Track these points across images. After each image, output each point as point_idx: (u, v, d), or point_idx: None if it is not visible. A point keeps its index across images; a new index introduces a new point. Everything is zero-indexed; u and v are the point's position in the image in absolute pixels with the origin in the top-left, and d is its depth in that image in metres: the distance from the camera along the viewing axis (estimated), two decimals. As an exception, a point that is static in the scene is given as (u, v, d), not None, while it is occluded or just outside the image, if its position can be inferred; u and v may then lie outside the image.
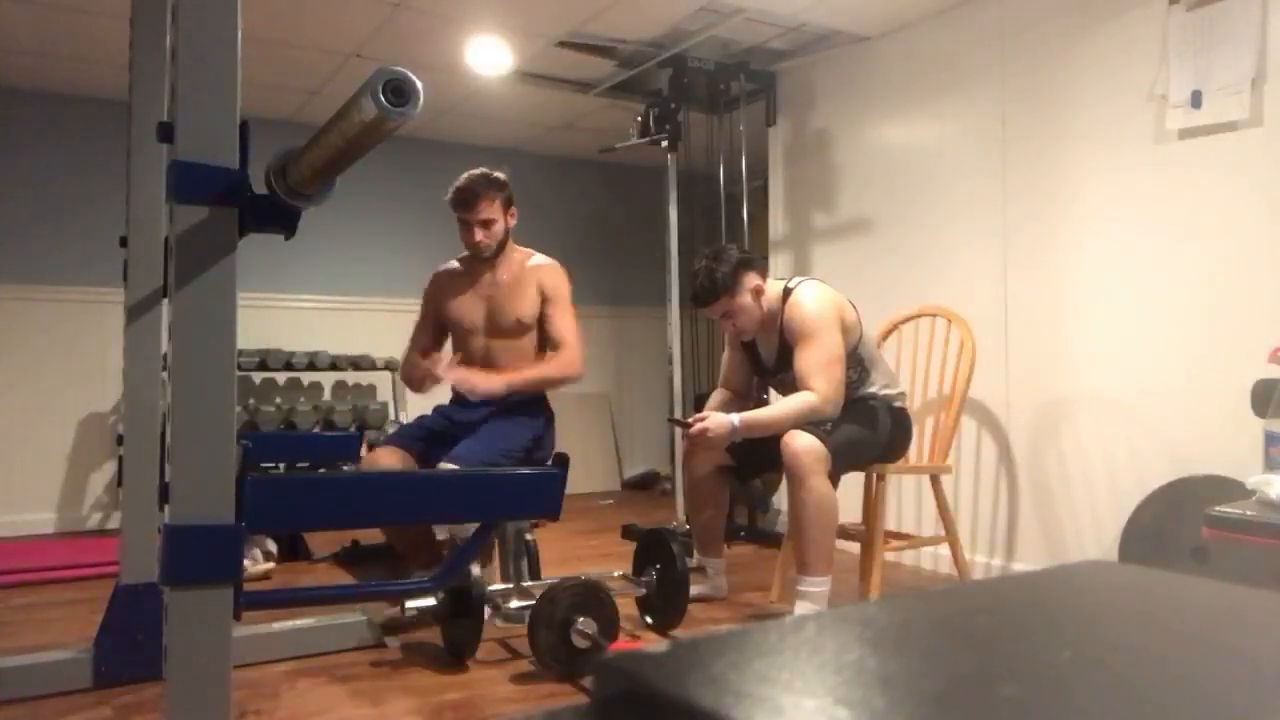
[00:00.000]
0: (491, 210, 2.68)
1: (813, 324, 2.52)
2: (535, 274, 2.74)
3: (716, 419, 2.47)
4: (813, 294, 2.58)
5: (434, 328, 2.84)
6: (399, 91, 1.07)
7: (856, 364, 2.62)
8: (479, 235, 2.68)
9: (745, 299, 2.60)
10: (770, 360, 2.72)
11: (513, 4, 3.39)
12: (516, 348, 2.71)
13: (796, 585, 2.48)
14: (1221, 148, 2.54)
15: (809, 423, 2.43)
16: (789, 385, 2.62)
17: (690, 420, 2.53)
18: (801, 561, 2.46)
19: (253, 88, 4.12)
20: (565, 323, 2.70)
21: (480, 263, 2.76)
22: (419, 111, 1.10)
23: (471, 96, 4.44)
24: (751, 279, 2.61)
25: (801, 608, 2.45)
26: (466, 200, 2.67)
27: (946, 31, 3.38)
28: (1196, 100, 2.58)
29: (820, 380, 2.47)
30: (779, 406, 2.53)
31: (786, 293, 2.61)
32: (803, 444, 2.38)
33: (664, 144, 3.96)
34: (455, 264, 2.85)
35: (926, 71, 3.45)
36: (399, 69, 1.07)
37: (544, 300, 2.71)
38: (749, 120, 4.15)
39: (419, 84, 1.09)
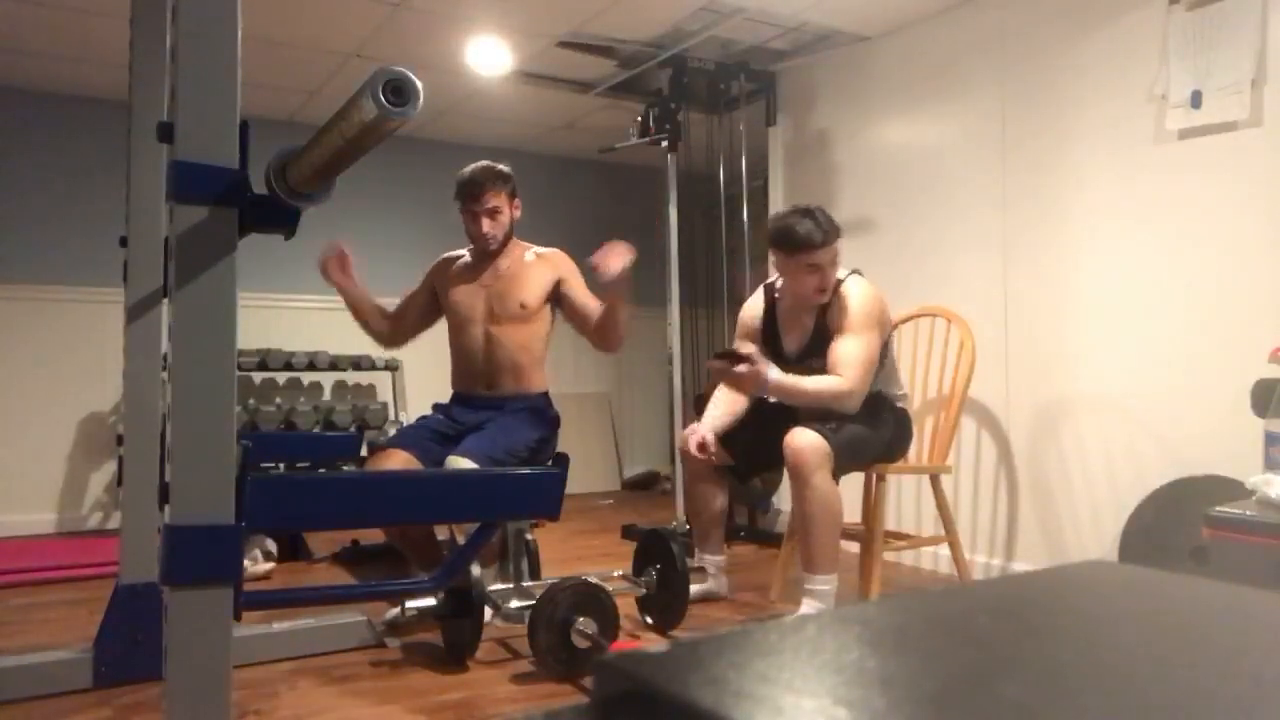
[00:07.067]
0: (498, 200, 2.70)
1: (863, 319, 2.53)
2: (543, 262, 2.78)
3: (757, 369, 2.43)
4: (868, 291, 2.59)
5: (422, 303, 2.85)
6: (399, 91, 1.07)
7: None
8: (486, 225, 2.69)
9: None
10: (795, 349, 2.69)
11: (513, 4, 3.39)
12: (520, 334, 2.71)
13: (802, 584, 2.48)
14: (1221, 148, 2.54)
15: (820, 417, 2.44)
16: (813, 374, 2.59)
17: (735, 353, 2.50)
18: (807, 560, 2.46)
19: (253, 88, 4.12)
20: (590, 295, 2.74)
21: (484, 255, 2.76)
22: (419, 111, 1.10)
23: (471, 96, 4.44)
24: None
25: (807, 606, 2.45)
26: (474, 190, 2.68)
27: (946, 31, 3.38)
28: (1196, 100, 2.58)
29: (854, 372, 2.47)
30: (810, 380, 2.50)
31: (836, 282, 2.61)
32: (806, 441, 2.38)
33: (664, 144, 3.96)
34: (463, 254, 2.85)
35: (927, 72, 3.45)
36: (399, 69, 1.07)
37: (561, 282, 2.74)
38: (749, 120, 4.15)
39: (419, 84, 1.09)
